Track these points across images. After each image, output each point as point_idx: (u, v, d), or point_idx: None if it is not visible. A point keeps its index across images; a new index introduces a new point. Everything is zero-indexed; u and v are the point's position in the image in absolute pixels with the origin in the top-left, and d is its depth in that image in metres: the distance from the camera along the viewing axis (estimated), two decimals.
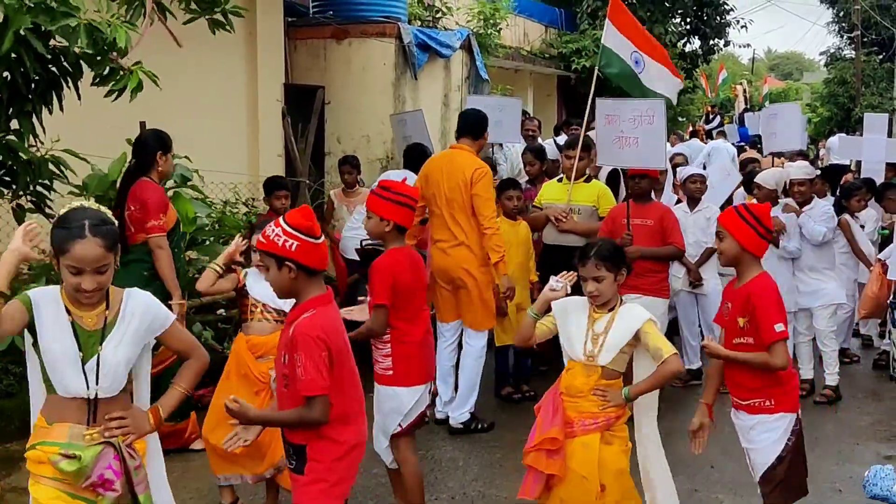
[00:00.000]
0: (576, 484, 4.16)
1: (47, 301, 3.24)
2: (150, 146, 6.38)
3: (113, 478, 3.17)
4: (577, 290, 4.41)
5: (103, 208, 3.33)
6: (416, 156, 8.76)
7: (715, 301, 8.06)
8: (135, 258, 6.19)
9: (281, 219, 3.50)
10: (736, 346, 4.42)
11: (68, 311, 3.22)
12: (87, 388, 3.19)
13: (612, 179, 8.75)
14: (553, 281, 4.39)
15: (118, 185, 6.70)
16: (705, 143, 17.16)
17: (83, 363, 3.18)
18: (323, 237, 3.55)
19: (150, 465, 3.47)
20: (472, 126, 7.10)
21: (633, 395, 4.28)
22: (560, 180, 8.05)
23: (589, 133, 8.14)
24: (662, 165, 7.71)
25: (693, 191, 8.32)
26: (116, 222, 3.32)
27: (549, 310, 4.50)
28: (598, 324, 4.27)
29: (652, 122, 7.03)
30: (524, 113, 14.26)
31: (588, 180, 7.90)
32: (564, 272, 4.45)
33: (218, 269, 4.90)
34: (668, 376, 4.28)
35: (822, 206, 7.90)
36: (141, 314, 3.26)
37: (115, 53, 5.50)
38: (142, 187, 6.26)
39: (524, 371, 7.87)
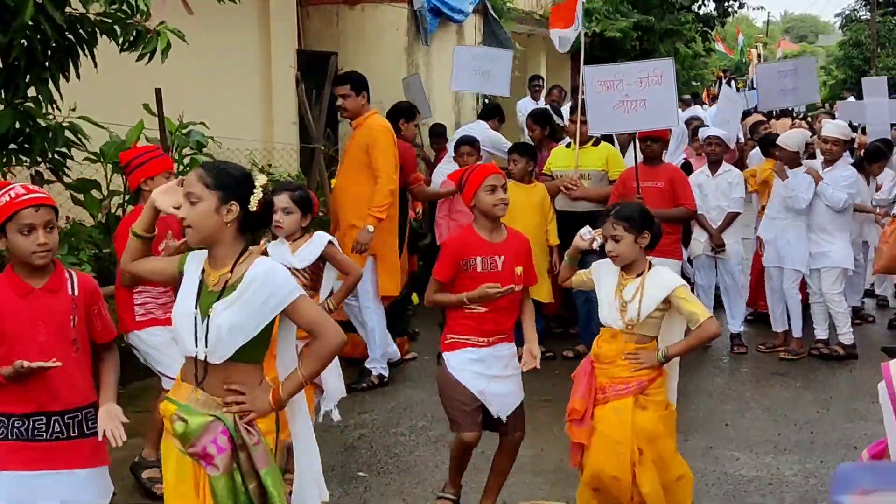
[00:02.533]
0: (610, 449, 4.17)
1: (195, 259, 3.28)
2: (397, 114, 7.71)
3: (214, 453, 3.10)
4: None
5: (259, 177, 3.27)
6: (492, 109, 9.74)
7: (736, 266, 8.13)
8: None
9: None
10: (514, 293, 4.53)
11: (204, 271, 3.24)
12: (196, 346, 3.17)
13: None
14: (585, 230, 4.44)
15: None
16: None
17: (198, 321, 3.16)
18: None
19: (297, 436, 3.48)
20: None
21: (670, 356, 4.26)
22: (568, 145, 8.04)
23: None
24: (675, 124, 7.70)
25: (708, 153, 8.27)
26: (255, 182, 3.22)
27: (582, 259, 4.59)
28: (626, 290, 4.26)
29: (660, 83, 6.97)
30: (538, 78, 14.27)
31: (597, 143, 7.89)
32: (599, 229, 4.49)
33: None
34: (704, 339, 4.30)
35: (844, 170, 7.84)
36: (258, 284, 3.13)
37: (138, 17, 5.55)
38: (399, 148, 7.22)
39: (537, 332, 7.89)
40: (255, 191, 3.19)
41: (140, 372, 5.68)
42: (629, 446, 4.15)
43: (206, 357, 3.16)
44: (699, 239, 8.11)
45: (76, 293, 3.59)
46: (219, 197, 3.14)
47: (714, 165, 8.19)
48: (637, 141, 7.27)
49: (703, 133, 8.78)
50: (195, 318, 3.17)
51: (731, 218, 8.02)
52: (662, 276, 4.29)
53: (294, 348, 3.45)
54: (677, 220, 7.29)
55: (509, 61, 9.97)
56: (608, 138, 8.11)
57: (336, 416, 5.07)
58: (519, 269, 4.53)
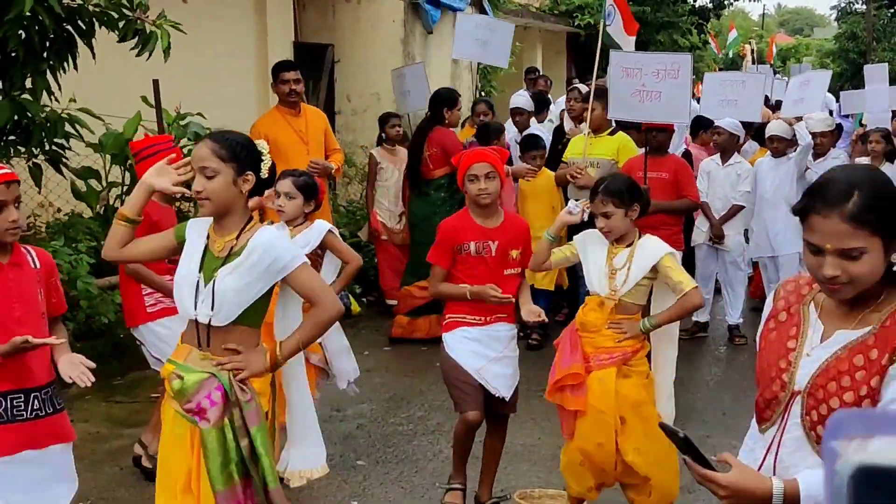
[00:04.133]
0: (595, 418, 4.19)
1: (197, 226, 3.35)
2: (438, 102, 8.01)
3: (207, 407, 3.18)
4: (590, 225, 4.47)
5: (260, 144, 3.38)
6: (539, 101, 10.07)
7: (738, 257, 8.11)
8: (433, 189, 7.94)
9: None
10: (508, 276, 4.55)
11: (209, 237, 3.31)
12: (196, 310, 3.25)
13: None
14: (572, 204, 4.43)
15: (413, 133, 8.35)
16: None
17: (199, 286, 3.24)
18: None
19: (291, 393, 3.69)
20: None
21: (653, 326, 4.28)
22: (587, 134, 8.01)
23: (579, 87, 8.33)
24: (686, 120, 7.69)
25: (714, 142, 8.30)
26: (259, 146, 3.32)
27: (569, 236, 4.58)
28: (616, 259, 4.28)
29: (677, 77, 6.94)
30: (534, 70, 14.28)
31: (612, 133, 7.84)
32: (584, 199, 4.47)
33: None
34: (688, 308, 4.31)
35: (836, 157, 7.90)
36: (261, 251, 3.21)
37: (137, 10, 5.56)
38: (439, 134, 7.87)
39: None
40: (263, 158, 3.31)
41: (139, 362, 5.68)
42: (613, 415, 4.17)
43: (209, 320, 3.24)
44: (701, 228, 8.11)
45: (38, 266, 3.60)
46: (235, 168, 3.22)
47: (725, 155, 8.17)
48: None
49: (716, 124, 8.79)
50: (198, 281, 3.25)
51: (735, 210, 8.01)
52: (652, 245, 4.31)
53: (300, 314, 3.57)
54: (680, 211, 7.30)
55: (510, 33, 9.83)
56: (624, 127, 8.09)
57: (355, 389, 5.28)
58: (514, 253, 4.55)
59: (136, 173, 5.35)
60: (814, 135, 7.97)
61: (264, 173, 3.29)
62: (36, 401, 3.50)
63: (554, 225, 4.53)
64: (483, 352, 4.53)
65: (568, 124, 9.27)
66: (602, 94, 7.63)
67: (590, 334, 4.28)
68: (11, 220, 3.41)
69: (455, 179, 7.73)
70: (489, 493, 4.79)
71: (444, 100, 8.01)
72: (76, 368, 3.50)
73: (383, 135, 8.95)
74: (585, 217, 4.45)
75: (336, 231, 5.00)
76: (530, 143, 7.91)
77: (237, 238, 3.26)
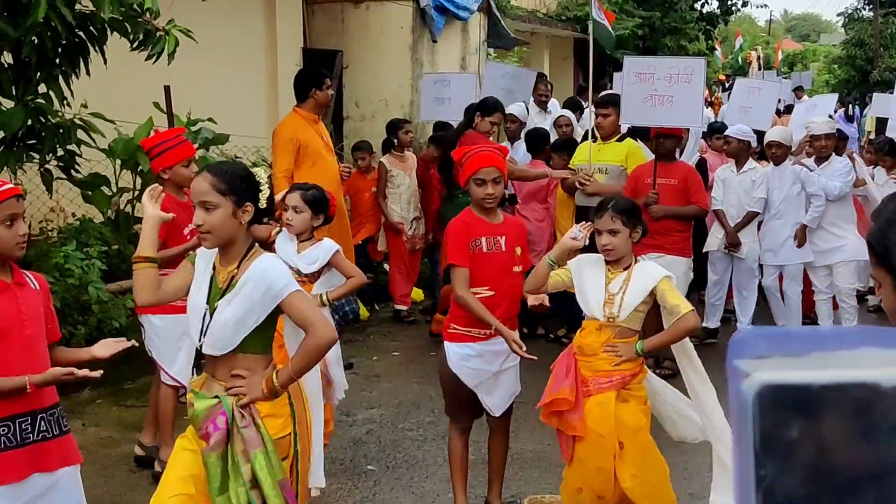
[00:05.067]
0: (594, 442, 4.17)
1: (205, 255, 3.39)
2: (476, 107, 7.88)
3: (211, 432, 3.22)
4: (592, 247, 4.43)
5: (260, 172, 3.41)
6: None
7: (751, 264, 8.04)
8: (461, 192, 7.34)
9: None
10: (515, 273, 4.56)
11: (215, 268, 3.35)
12: (199, 339, 3.31)
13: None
14: (575, 229, 4.37)
15: (445, 138, 8.16)
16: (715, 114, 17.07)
17: (206, 316, 3.28)
18: None
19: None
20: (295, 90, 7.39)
21: (647, 349, 4.25)
22: (595, 140, 8.00)
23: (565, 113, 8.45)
24: (698, 124, 7.66)
25: (727, 151, 8.31)
26: (259, 179, 3.35)
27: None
28: (613, 283, 4.24)
29: (689, 81, 6.92)
30: (539, 76, 14.32)
31: (621, 139, 7.76)
32: (585, 222, 4.43)
33: None
34: (683, 332, 4.22)
35: (840, 161, 7.89)
36: (256, 279, 3.24)
37: (147, 16, 5.60)
38: (468, 139, 7.51)
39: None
40: (262, 188, 3.34)
41: (150, 366, 5.71)
42: (612, 439, 4.15)
43: (209, 350, 3.29)
44: (716, 235, 8.04)
45: (38, 288, 3.55)
46: (234, 201, 3.25)
47: (739, 162, 8.08)
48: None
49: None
50: (205, 312, 3.29)
51: (750, 217, 7.91)
52: (649, 269, 4.31)
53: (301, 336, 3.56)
54: (689, 217, 7.29)
55: (532, 81, 10.11)
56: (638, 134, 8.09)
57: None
58: (518, 250, 4.59)
59: (152, 170, 5.37)
60: (816, 137, 7.97)
61: (262, 203, 3.33)
62: (42, 422, 3.45)
63: (556, 249, 4.46)
64: (485, 368, 4.53)
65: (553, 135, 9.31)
66: (612, 101, 7.63)
67: (587, 358, 4.24)
68: (21, 234, 3.38)
69: None
70: (499, 497, 4.80)
71: (479, 106, 7.94)
72: (110, 346, 3.58)
73: (394, 140, 8.94)
74: (586, 242, 4.39)
75: (342, 250, 5.02)
76: (553, 146, 8.12)
77: (238, 268, 3.30)
